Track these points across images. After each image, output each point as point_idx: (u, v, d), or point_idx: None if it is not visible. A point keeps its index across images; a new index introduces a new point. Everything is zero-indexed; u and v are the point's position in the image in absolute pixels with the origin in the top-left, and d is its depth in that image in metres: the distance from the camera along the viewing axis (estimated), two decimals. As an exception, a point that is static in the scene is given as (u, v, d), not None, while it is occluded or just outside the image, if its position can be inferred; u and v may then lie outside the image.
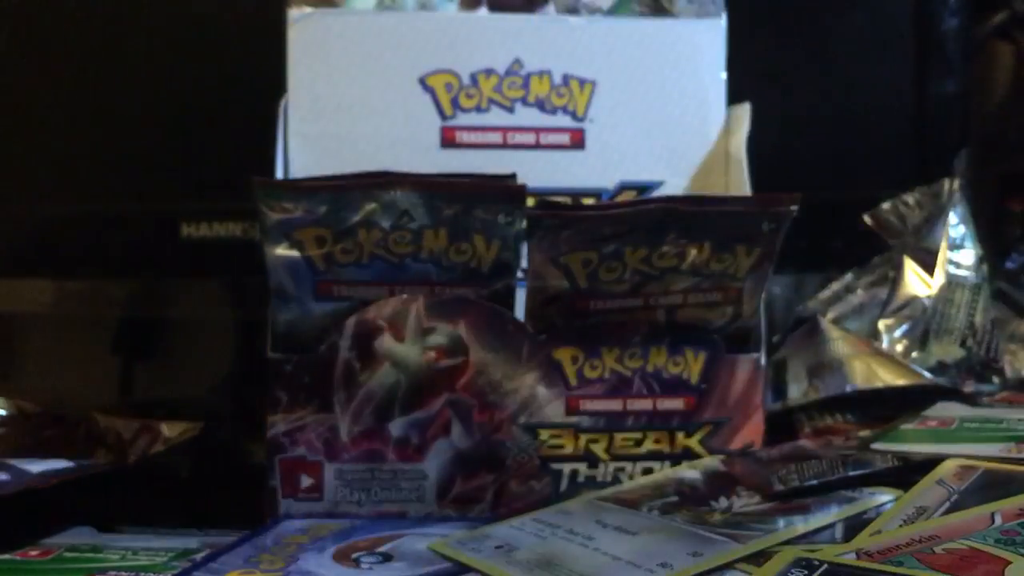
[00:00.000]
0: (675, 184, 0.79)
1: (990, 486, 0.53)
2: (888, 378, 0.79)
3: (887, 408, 0.76)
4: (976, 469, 0.56)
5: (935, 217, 0.89)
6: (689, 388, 0.68)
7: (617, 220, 0.63)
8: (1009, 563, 0.44)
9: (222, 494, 0.72)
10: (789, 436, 0.75)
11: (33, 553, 0.57)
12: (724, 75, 0.79)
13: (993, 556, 0.44)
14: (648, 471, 0.68)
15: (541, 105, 0.77)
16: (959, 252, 0.88)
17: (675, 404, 0.68)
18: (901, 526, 0.49)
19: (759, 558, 0.49)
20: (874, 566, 0.44)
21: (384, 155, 0.76)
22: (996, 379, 0.85)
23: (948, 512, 0.50)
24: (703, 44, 0.79)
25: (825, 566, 0.45)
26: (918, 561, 0.44)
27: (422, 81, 0.77)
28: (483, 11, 0.78)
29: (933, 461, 0.58)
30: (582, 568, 0.50)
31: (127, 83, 0.89)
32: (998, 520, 0.48)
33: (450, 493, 0.66)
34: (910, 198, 0.91)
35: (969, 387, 0.83)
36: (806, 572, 0.45)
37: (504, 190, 0.65)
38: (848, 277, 0.91)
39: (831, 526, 0.53)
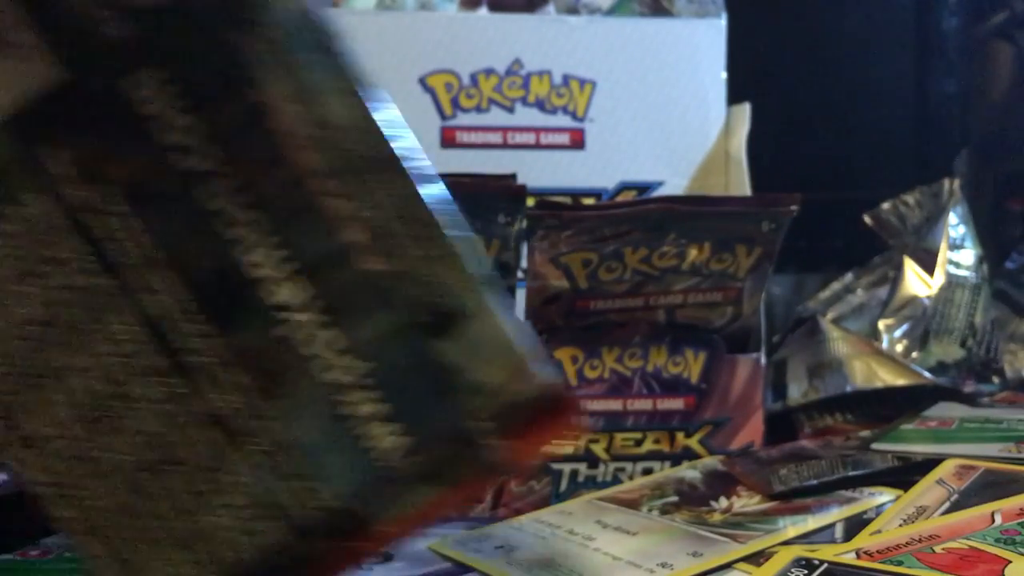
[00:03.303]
0: (675, 184, 0.79)
1: (990, 486, 0.53)
2: (888, 378, 0.79)
3: (887, 408, 0.76)
4: (976, 469, 0.56)
5: (935, 217, 0.89)
6: (689, 388, 0.68)
7: (617, 220, 0.63)
8: (1009, 562, 0.43)
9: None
10: (789, 436, 0.75)
11: (33, 553, 0.57)
12: (724, 75, 0.79)
13: (993, 555, 0.44)
14: (648, 471, 0.68)
15: (541, 105, 0.77)
16: (959, 252, 0.88)
17: (675, 404, 0.68)
18: (901, 525, 0.49)
19: (759, 558, 0.49)
20: (874, 565, 0.44)
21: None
22: (996, 379, 0.85)
23: (948, 512, 0.50)
24: (703, 44, 0.79)
25: (825, 565, 0.45)
26: (918, 560, 0.44)
27: (422, 81, 0.76)
28: (483, 11, 0.78)
29: (933, 461, 0.58)
30: (582, 568, 0.50)
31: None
32: (998, 520, 0.48)
33: (450, 493, 0.66)
34: (910, 198, 0.91)
35: (969, 387, 0.83)
36: (806, 572, 0.44)
37: (504, 190, 0.65)
38: (848, 277, 0.91)
39: (831, 526, 0.53)
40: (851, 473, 0.59)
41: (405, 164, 0.31)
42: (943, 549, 0.45)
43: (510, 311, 0.32)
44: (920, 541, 0.46)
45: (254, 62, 0.29)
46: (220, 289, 0.30)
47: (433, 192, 0.32)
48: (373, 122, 0.31)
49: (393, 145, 0.31)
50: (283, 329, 0.31)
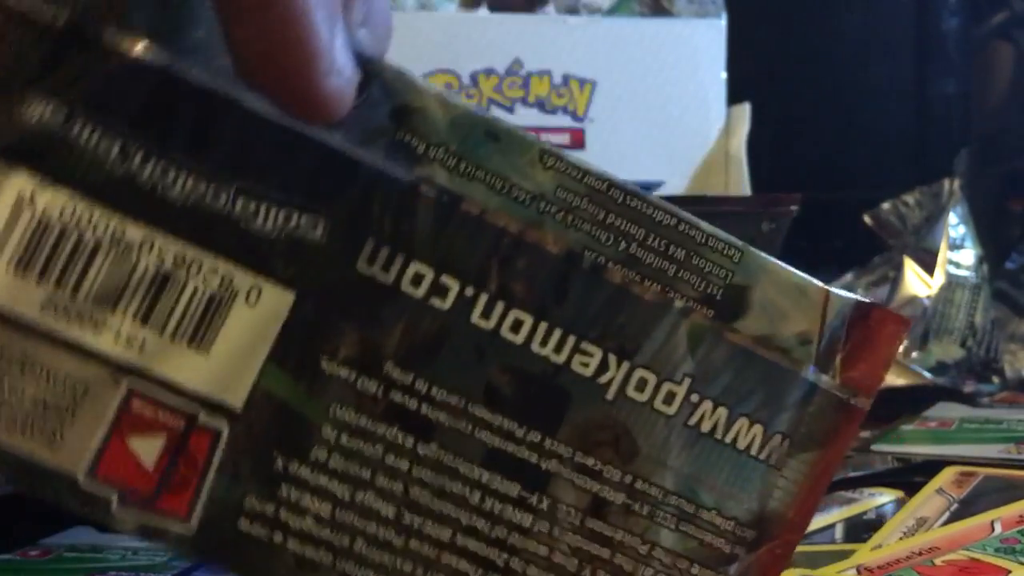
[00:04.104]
0: (675, 184, 0.78)
1: (989, 492, 0.53)
2: (888, 378, 0.78)
3: (887, 408, 0.76)
4: (975, 476, 0.56)
5: (935, 217, 0.89)
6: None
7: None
8: (1009, 572, 0.44)
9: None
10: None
11: (33, 553, 0.57)
12: (724, 75, 0.79)
13: (993, 566, 0.44)
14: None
15: (541, 105, 0.77)
16: (959, 252, 0.88)
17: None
18: (902, 538, 0.49)
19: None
20: None
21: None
22: (996, 379, 0.85)
23: (948, 522, 0.50)
24: (703, 44, 0.78)
25: None
26: (918, 574, 0.44)
27: (422, 81, 0.76)
28: (483, 11, 0.78)
29: (933, 462, 0.58)
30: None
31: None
32: (998, 528, 0.48)
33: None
34: (910, 198, 0.91)
35: (969, 387, 0.83)
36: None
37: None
38: (848, 277, 0.91)
39: (831, 526, 0.53)
40: (851, 474, 0.60)
41: (619, 182, 0.31)
42: (943, 562, 0.45)
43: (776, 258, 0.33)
44: (920, 554, 0.46)
45: (447, 183, 0.30)
46: (530, 392, 0.31)
47: (647, 192, 0.32)
48: (575, 165, 0.31)
49: (599, 172, 0.31)
50: (611, 392, 0.31)
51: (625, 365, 0.31)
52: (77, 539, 0.60)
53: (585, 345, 0.31)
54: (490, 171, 0.30)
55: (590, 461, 0.32)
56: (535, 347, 0.31)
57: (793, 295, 0.32)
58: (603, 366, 0.31)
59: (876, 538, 0.50)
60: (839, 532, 0.52)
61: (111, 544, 0.59)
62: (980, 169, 1.01)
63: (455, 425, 0.31)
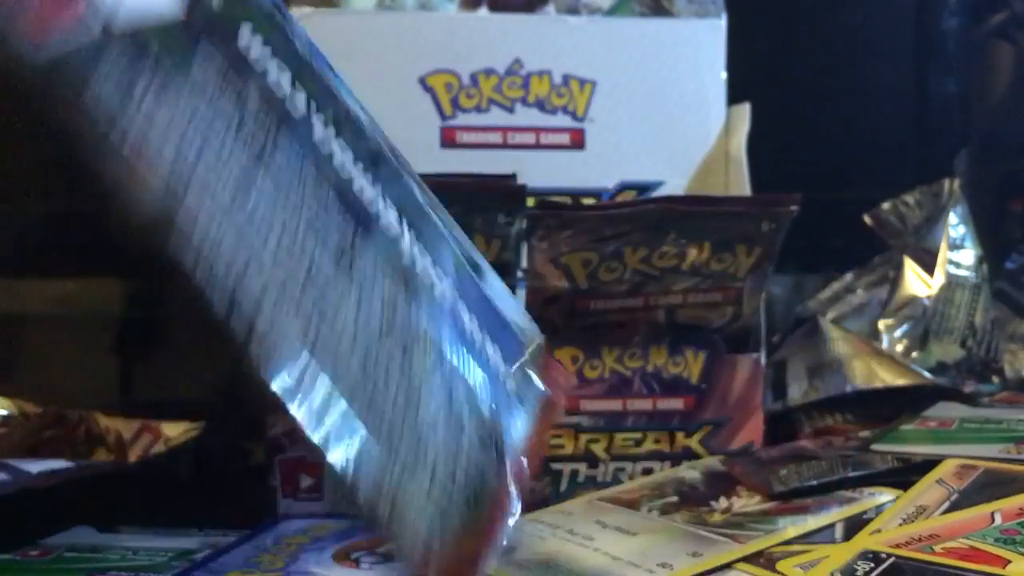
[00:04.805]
0: (675, 184, 0.78)
1: (990, 485, 0.53)
2: (888, 378, 0.79)
3: (887, 408, 0.76)
4: (976, 469, 0.56)
5: (935, 217, 0.89)
6: (689, 388, 0.68)
7: (617, 220, 0.63)
8: (1008, 562, 0.44)
9: (222, 494, 0.72)
10: (789, 436, 0.75)
11: (33, 553, 0.57)
12: (724, 75, 0.79)
13: (993, 555, 0.44)
14: (648, 471, 0.68)
15: (541, 105, 0.77)
16: (959, 252, 0.88)
17: (675, 404, 0.68)
18: (900, 525, 0.49)
19: (759, 558, 0.49)
20: (947, 561, 0.44)
21: (384, 155, 0.76)
22: (996, 379, 0.85)
23: (948, 511, 0.50)
24: (703, 44, 0.78)
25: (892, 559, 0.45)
26: (918, 560, 0.44)
27: (422, 81, 0.76)
28: (483, 11, 0.78)
29: (933, 462, 0.58)
30: (581, 568, 0.50)
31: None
32: (998, 519, 0.48)
33: (450, 493, 0.66)
34: (910, 198, 0.91)
35: (969, 387, 0.83)
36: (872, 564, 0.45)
37: (504, 190, 0.65)
38: (848, 277, 0.91)
39: (831, 526, 0.53)
40: (851, 473, 0.59)
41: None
42: (942, 549, 0.45)
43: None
44: (920, 540, 0.46)
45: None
46: None
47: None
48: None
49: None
50: None
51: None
52: (77, 539, 0.60)
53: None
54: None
55: None
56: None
57: None
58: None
59: (875, 523, 0.50)
60: (839, 532, 0.52)
61: (111, 544, 0.59)
62: (980, 169, 1.01)
63: None
